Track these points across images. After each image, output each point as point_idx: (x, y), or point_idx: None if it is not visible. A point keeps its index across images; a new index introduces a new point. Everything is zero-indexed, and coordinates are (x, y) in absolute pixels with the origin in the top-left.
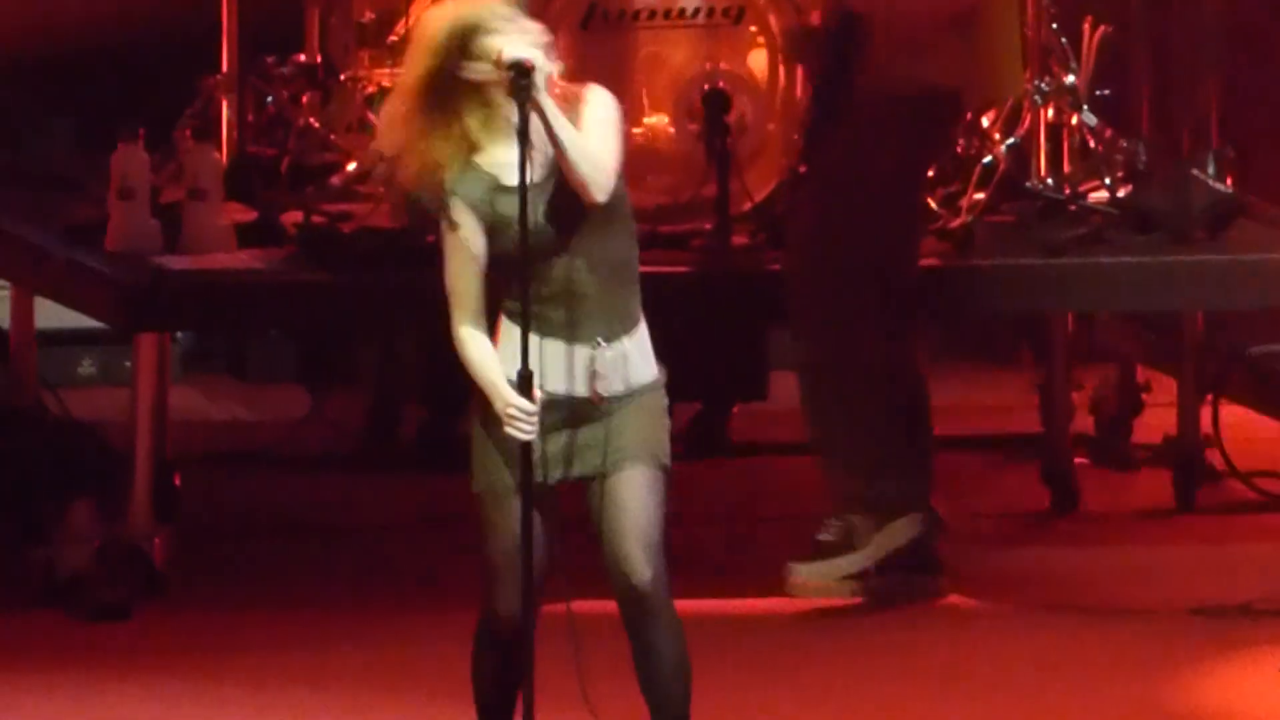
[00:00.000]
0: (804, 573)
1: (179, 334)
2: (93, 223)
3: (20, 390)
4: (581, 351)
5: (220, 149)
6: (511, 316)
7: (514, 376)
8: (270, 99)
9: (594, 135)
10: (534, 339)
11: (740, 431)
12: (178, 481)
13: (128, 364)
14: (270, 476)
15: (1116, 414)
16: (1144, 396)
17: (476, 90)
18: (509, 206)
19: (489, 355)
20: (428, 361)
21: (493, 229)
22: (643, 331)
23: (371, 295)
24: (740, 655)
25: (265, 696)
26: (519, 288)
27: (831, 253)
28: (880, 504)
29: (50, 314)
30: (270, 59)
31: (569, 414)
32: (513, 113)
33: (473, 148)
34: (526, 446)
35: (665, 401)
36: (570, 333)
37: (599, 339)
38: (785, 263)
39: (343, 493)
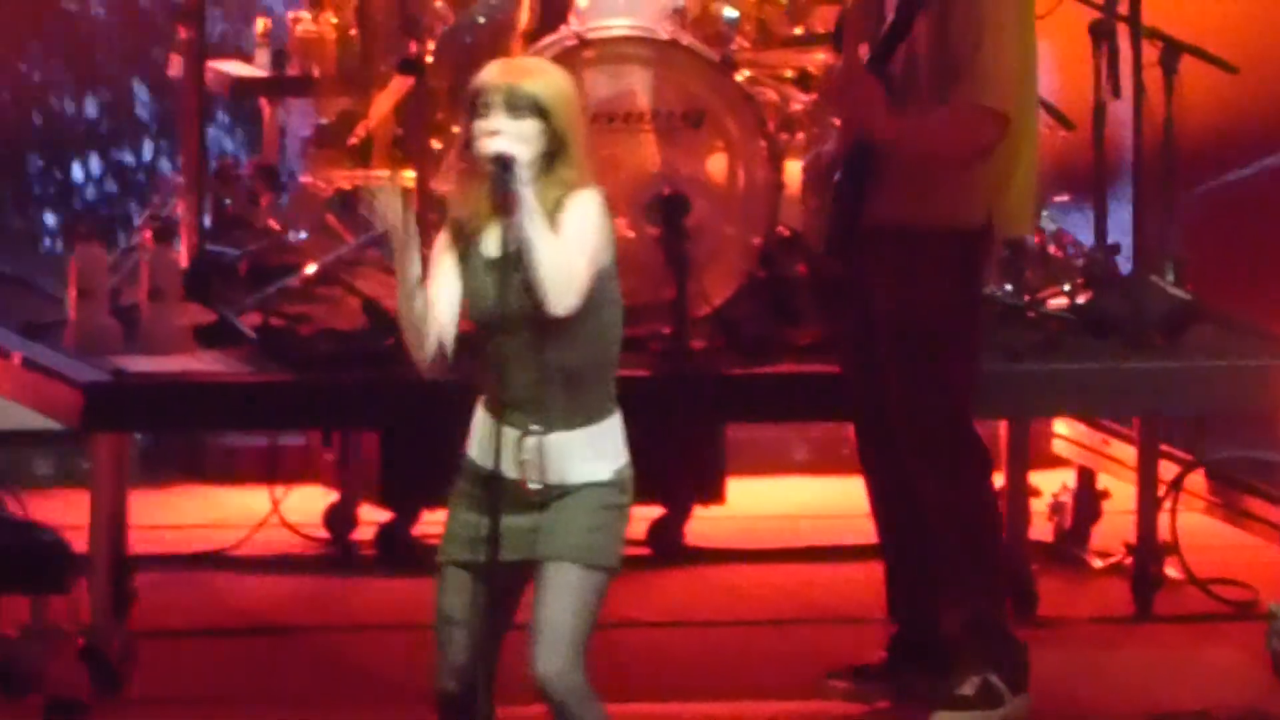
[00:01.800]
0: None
1: (138, 434)
2: (51, 322)
3: None
4: (510, 434)
5: (179, 249)
6: (481, 399)
7: (470, 454)
8: (229, 200)
9: (568, 245)
10: (482, 414)
11: (696, 535)
12: (136, 582)
13: (85, 464)
14: (228, 577)
15: (1074, 521)
16: (1102, 503)
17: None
18: (480, 273)
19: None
20: (387, 463)
21: (465, 282)
22: (598, 430)
23: (330, 396)
24: None
25: None
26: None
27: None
28: (1011, 675)
29: (7, 415)
30: (229, 160)
31: (510, 498)
32: (494, 194)
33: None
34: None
35: (617, 501)
36: (506, 415)
37: (532, 426)
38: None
39: (301, 593)
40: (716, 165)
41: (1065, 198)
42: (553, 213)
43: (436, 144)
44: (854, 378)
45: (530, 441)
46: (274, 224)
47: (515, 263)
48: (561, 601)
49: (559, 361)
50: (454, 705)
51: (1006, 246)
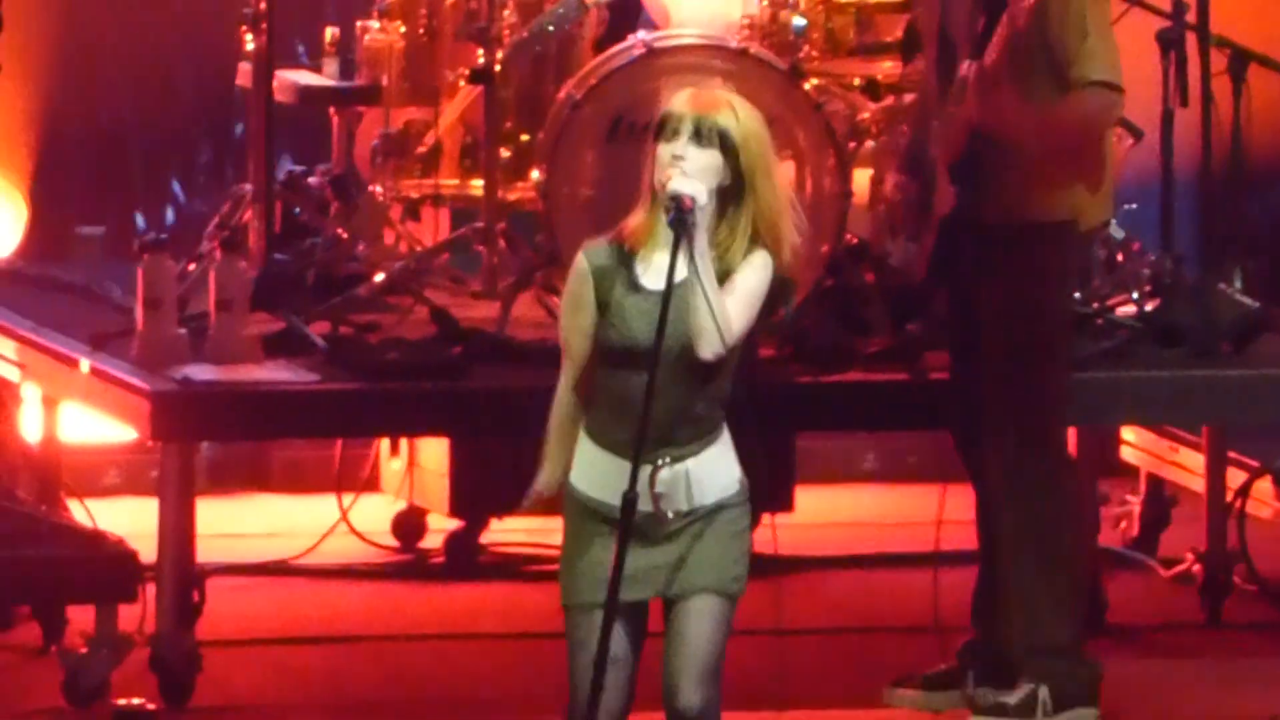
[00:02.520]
0: None
1: (205, 443)
2: (119, 332)
3: (47, 498)
4: (644, 470)
5: (247, 259)
6: (590, 433)
7: (588, 492)
8: (297, 209)
9: (734, 298)
10: (601, 453)
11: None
12: (203, 591)
13: (153, 473)
14: (295, 585)
15: (1143, 527)
16: (1171, 510)
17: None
18: (628, 306)
19: (565, 427)
20: (456, 471)
21: (604, 309)
22: (715, 451)
23: (398, 405)
24: None
25: None
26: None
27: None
28: (1063, 690)
29: (76, 425)
30: (298, 169)
31: (641, 531)
32: (664, 231)
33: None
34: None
35: (745, 521)
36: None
37: (663, 459)
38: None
39: (369, 602)
40: (784, 174)
41: (1133, 206)
42: (722, 256)
43: (505, 153)
44: (958, 382)
45: (664, 474)
46: (342, 233)
47: (680, 298)
48: (708, 634)
49: (695, 398)
50: None
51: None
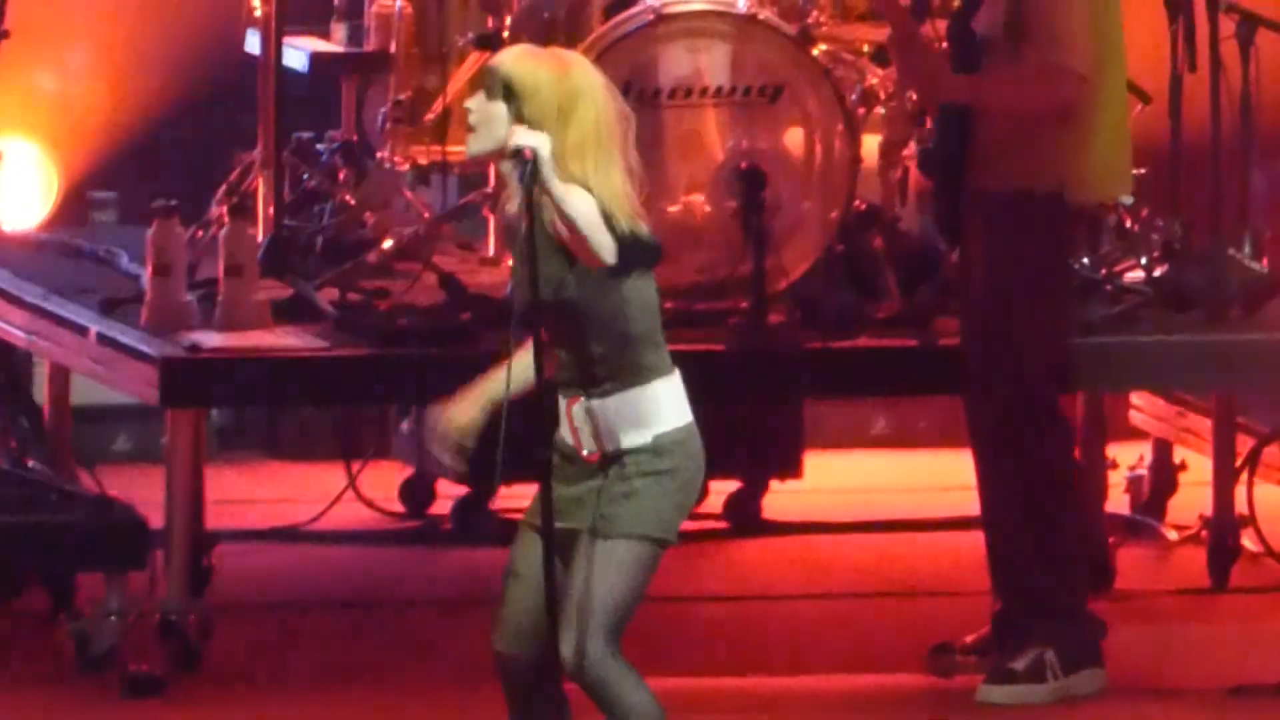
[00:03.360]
0: (997, 695)
1: (214, 410)
2: (129, 298)
3: (56, 466)
4: (562, 403)
5: (256, 225)
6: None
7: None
8: (306, 176)
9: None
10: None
11: (774, 509)
12: (213, 557)
13: (163, 440)
14: (305, 552)
15: (1151, 493)
16: (1179, 475)
17: None
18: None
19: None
20: None
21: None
22: (626, 397)
23: (407, 371)
24: None
25: None
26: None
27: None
28: (1070, 652)
29: (86, 390)
30: (306, 135)
31: (572, 465)
32: (516, 189)
33: None
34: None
35: (654, 467)
36: (564, 387)
37: (579, 395)
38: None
39: (377, 568)
40: (794, 140)
41: (1142, 170)
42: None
43: None
44: (964, 348)
45: (577, 409)
46: (351, 200)
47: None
48: (581, 577)
49: (587, 342)
50: (509, 667)
51: (1093, 212)
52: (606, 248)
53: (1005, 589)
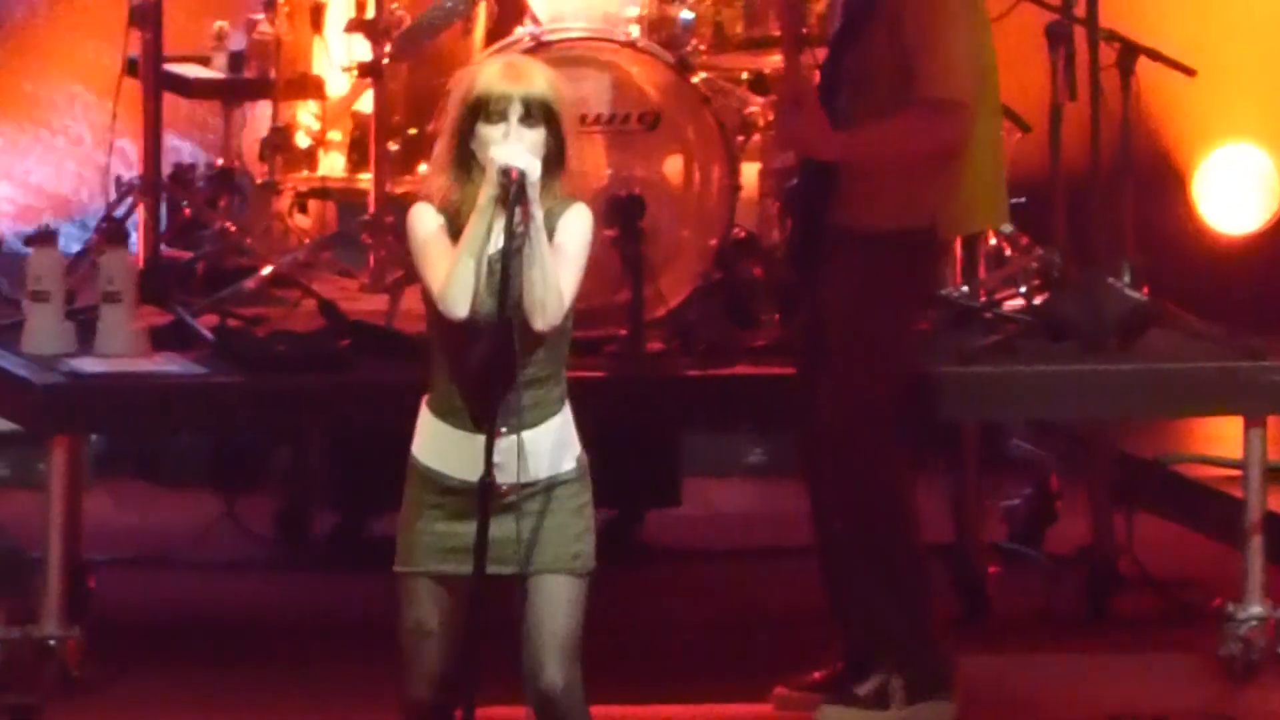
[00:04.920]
0: (835, 716)
1: (92, 436)
2: (7, 324)
3: None
4: (481, 438)
5: (135, 252)
6: (431, 406)
7: (426, 462)
8: (185, 202)
9: (564, 262)
10: (440, 425)
11: (652, 537)
12: (91, 584)
13: (41, 466)
14: (182, 579)
15: (1029, 522)
16: (1057, 505)
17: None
18: None
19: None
20: (339, 464)
21: None
22: (552, 424)
23: (285, 398)
24: None
25: None
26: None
27: (846, 400)
28: (916, 681)
29: None
30: (186, 163)
31: (474, 502)
32: (489, 204)
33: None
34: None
35: (584, 497)
36: (472, 420)
37: (502, 427)
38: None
39: (254, 595)
40: (673, 167)
41: (1022, 199)
42: (545, 219)
43: (393, 146)
44: (801, 384)
45: (501, 444)
46: (230, 226)
47: (512, 269)
48: (563, 614)
49: (532, 368)
50: (427, 713)
51: (965, 245)
52: (547, 316)
53: (851, 620)
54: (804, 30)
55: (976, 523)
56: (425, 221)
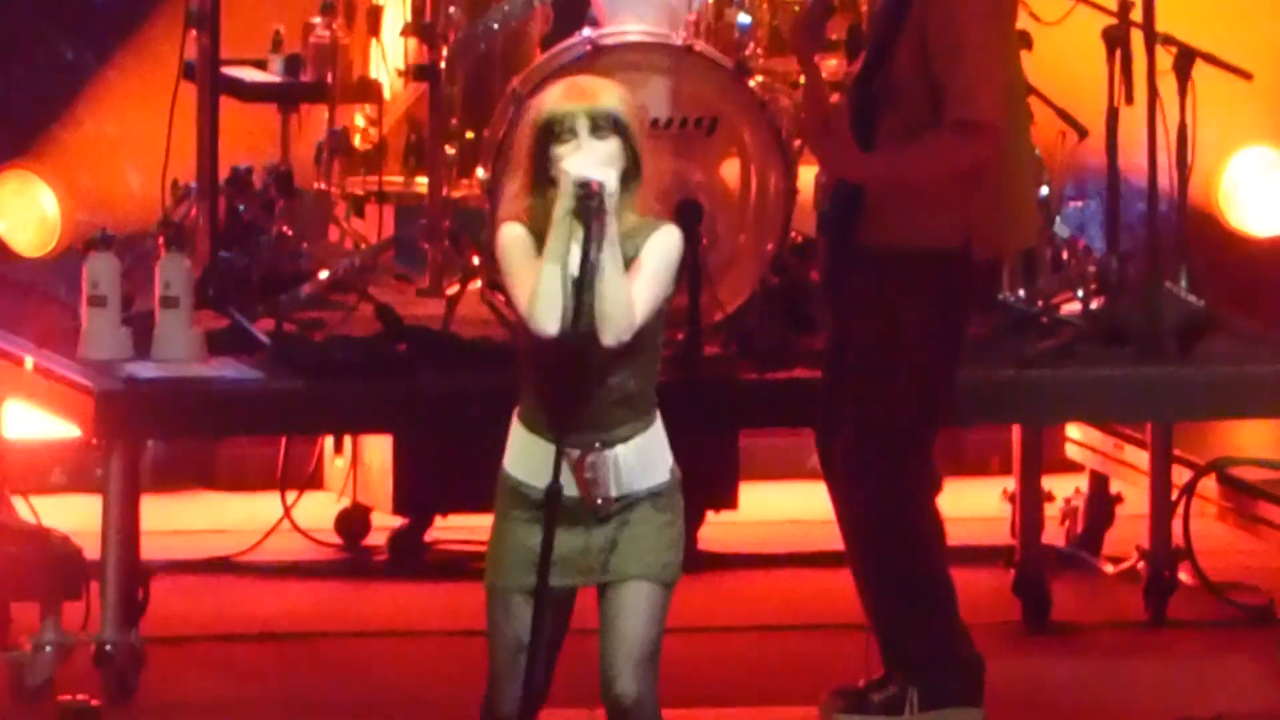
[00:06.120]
0: None
1: (150, 441)
2: (65, 330)
3: None
4: (571, 454)
5: (192, 256)
6: (522, 419)
7: (518, 476)
8: (242, 207)
9: (639, 279)
10: (529, 437)
11: (709, 541)
12: (148, 589)
13: (99, 471)
14: (240, 583)
15: (1088, 525)
16: (1115, 508)
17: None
18: None
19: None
20: (399, 469)
21: None
22: (648, 437)
23: (342, 402)
24: None
25: None
26: (537, 383)
27: (871, 409)
28: (934, 690)
29: (21, 423)
30: (242, 167)
31: (570, 517)
32: (565, 219)
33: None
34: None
35: (676, 508)
36: (561, 435)
37: (593, 443)
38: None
39: (313, 599)
40: (730, 172)
41: (1080, 204)
42: (628, 234)
43: (450, 150)
44: (826, 397)
45: (593, 459)
46: (287, 230)
47: (590, 285)
48: (642, 622)
49: (621, 382)
50: None
51: (1023, 251)
52: (614, 331)
53: (873, 628)
54: (825, 43)
55: (1035, 527)
56: (512, 240)
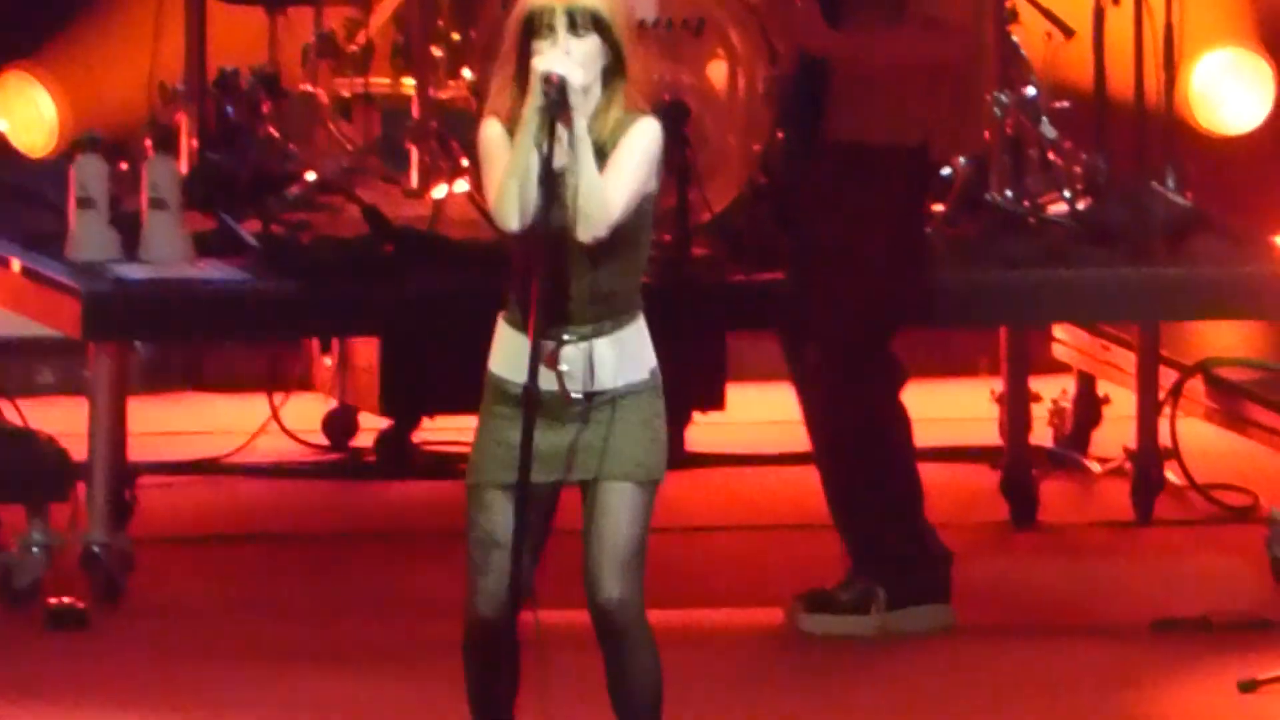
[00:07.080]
0: (811, 623)
1: (138, 343)
2: (52, 232)
3: None
4: (546, 347)
5: (179, 158)
6: (507, 317)
7: (500, 372)
8: (230, 108)
9: (613, 172)
10: (511, 333)
11: (695, 441)
12: (136, 490)
13: (86, 373)
14: (228, 483)
15: (1075, 426)
16: (1102, 409)
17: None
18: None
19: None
20: (386, 370)
21: None
22: (626, 334)
23: (330, 304)
24: (718, 670)
25: (224, 705)
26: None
27: (831, 305)
28: (901, 588)
29: (8, 323)
30: (230, 68)
31: (550, 412)
32: (534, 114)
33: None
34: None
35: (656, 408)
36: (539, 328)
37: (567, 336)
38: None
39: (301, 500)
40: (718, 73)
41: (1065, 104)
42: (611, 131)
43: (437, 51)
44: (790, 294)
45: (568, 351)
46: (275, 132)
47: (563, 180)
48: (624, 524)
49: (600, 279)
50: (490, 629)
51: (1011, 151)
52: (589, 227)
53: (839, 526)
54: None
55: (1022, 428)
56: (489, 135)
